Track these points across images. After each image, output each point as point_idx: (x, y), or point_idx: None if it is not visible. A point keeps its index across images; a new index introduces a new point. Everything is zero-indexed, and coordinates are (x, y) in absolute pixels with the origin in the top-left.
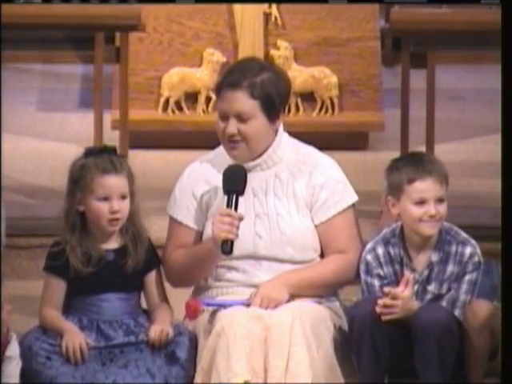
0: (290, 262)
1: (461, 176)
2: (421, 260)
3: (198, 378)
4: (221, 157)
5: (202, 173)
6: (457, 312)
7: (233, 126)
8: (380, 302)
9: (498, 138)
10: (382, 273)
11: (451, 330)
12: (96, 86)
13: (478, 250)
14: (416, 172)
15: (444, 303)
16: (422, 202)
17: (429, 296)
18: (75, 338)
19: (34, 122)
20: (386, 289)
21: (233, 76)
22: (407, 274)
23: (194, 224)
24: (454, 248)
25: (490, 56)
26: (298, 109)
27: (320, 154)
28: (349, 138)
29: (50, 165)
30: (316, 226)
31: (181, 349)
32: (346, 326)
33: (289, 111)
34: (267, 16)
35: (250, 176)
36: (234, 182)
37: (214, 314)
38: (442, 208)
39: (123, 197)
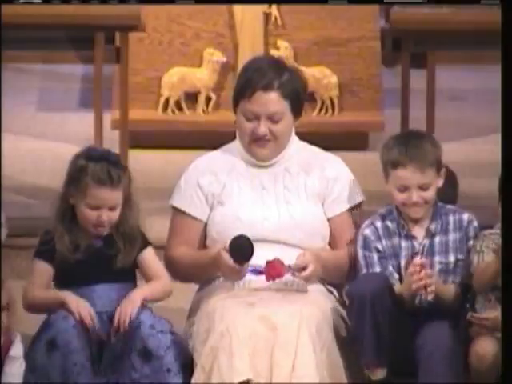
0: (297, 246)
1: (461, 176)
2: (419, 230)
3: (197, 376)
4: (228, 153)
5: (208, 165)
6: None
7: (265, 127)
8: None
9: (498, 137)
10: (380, 246)
11: (455, 352)
12: (96, 85)
13: (474, 218)
14: (398, 157)
15: (458, 276)
16: (404, 189)
17: (438, 267)
18: (82, 304)
19: (34, 122)
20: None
21: (264, 76)
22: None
23: (197, 214)
24: (451, 217)
25: (490, 56)
26: None
27: (324, 151)
28: (349, 138)
29: (49, 165)
30: (329, 219)
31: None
32: (346, 325)
33: None
34: (267, 16)
35: (259, 172)
36: (240, 256)
37: (218, 313)
38: (427, 194)
39: (114, 208)
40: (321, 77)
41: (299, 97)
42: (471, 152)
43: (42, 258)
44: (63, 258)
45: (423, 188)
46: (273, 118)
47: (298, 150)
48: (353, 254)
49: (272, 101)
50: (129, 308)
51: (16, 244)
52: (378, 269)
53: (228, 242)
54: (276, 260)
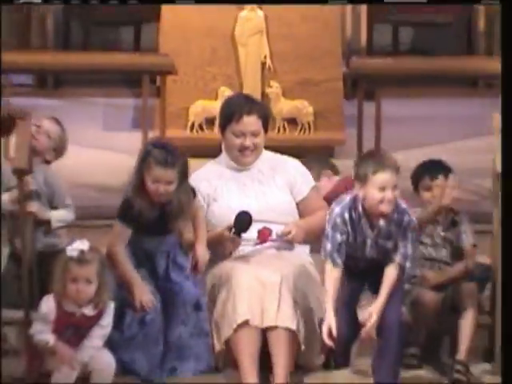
0: (274, 223)
1: (403, 179)
2: (374, 222)
3: (213, 321)
4: (217, 163)
5: (204, 174)
6: (408, 264)
7: (249, 141)
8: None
9: (428, 150)
10: (345, 229)
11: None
12: (143, 113)
13: (413, 218)
14: (378, 165)
15: (397, 258)
16: (382, 189)
17: (380, 246)
18: (145, 293)
19: (100, 138)
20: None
21: (245, 106)
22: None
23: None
24: (395, 215)
25: (425, 91)
26: (284, 129)
27: (278, 154)
28: (320, 150)
29: (109, 168)
30: (301, 201)
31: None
32: (317, 275)
33: (278, 131)
34: (263, 64)
35: (240, 174)
36: (242, 226)
37: (225, 275)
38: (396, 192)
39: (169, 183)
40: (301, 107)
41: (267, 118)
42: (411, 160)
43: (122, 221)
44: (142, 216)
45: (394, 188)
46: (254, 134)
47: (265, 157)
48: (324, 216)
49: (254, 121)
50: (206, 257)
51: (85, 225)
52: (336, 243)
53: (224, 225)
54: (264, 228)
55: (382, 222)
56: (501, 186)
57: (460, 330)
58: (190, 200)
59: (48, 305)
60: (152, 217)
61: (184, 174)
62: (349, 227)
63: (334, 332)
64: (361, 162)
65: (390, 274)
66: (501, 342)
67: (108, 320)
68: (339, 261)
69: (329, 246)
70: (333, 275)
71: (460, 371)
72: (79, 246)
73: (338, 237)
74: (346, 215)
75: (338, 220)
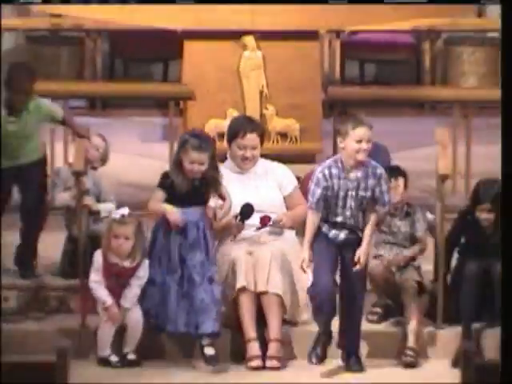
0: (268, 213)
1: None
2: (352, 175)
3: (221, 289)
4: (223, 168)
5: None
6: (387, 207)
7: (250, 153)
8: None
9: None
10: (325, 184)
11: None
12: (170, 129)
13: (384, 170)
14: (356, 121)
15: (378, 207)
16: (359, 141)
17: (360, 197)
18: (175, 213)
19: (138, 148)
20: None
21: (249, 126)
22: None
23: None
24: (370, 169)
25: (385, 112)
26: (277, 141)
27: (270, 161)
28: (304, 157)
29: (144, 171)
30: (286, 196)
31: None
32: (299, 253)
33: (272, 142)
34: (261, 92)
35: (241, 176)
36: (246, 215)
37: (227, 255)
38: (370, 144)
39: (202, 164)
40: (290, 124)
41: (262, 135)
42: None
43: (160, 188)
44: (176, 188)
45: (369, 141)
46: (253, 147)
47: (261, 163)
48: (305, 209)
49: (254, 138)
50: (230, 210)
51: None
52: (315, 198)
53: (233, 214)
54: (265, 215)
55: (359, 175)
56: (501, 186)
57: (407, 328)
58: (218, 176)
59: (97, 257)
60: (184, 190)
61: (213, 157)
62: (329, 181)
63: (306, 264)
64: (342, 121)
65: (372, 220)
66: (501, 341)
67: (143, 272)
68: (318, 208)
69: (310, 199)
70: (312, 219)
71: (410, 355)
72: (121, 211)
73: (319, 191)
74: (327, 171)
75: (320, 175)
